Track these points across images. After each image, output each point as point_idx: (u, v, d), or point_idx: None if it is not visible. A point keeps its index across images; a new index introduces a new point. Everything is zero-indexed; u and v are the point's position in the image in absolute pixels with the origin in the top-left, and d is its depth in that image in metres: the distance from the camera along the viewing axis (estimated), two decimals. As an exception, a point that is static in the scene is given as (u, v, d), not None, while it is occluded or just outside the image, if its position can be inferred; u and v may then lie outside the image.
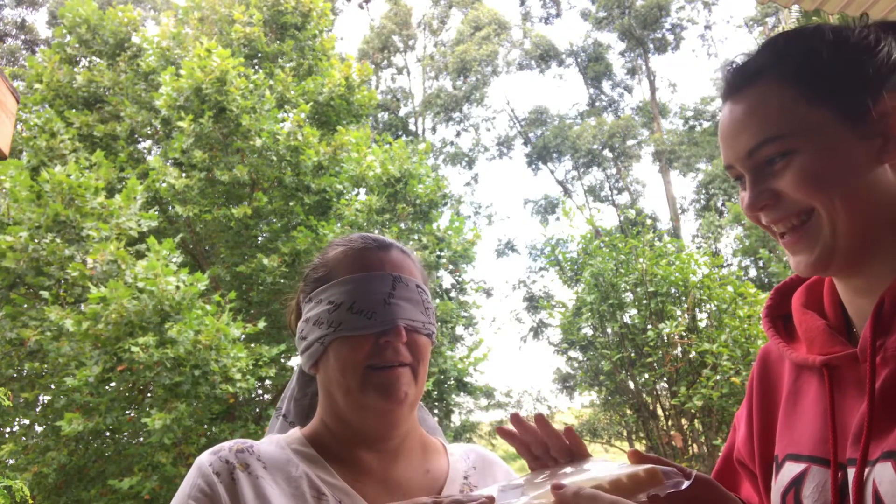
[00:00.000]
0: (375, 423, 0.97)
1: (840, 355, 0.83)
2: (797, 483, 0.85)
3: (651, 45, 25.09)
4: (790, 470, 0.87)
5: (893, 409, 0.75)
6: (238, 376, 6.80)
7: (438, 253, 9.53)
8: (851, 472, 0.77)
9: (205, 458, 0.93)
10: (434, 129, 26.08)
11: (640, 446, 7.99)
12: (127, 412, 7.09)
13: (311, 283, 1.04)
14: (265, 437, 1.08)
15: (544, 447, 0.91)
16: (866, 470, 0.75)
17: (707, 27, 26.53)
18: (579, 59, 26.23)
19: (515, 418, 0.94)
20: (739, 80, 0.86)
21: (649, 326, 7.22)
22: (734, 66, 0.89)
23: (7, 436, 7.73)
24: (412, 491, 0.97)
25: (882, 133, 0.79)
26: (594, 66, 25.82)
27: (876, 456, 0.74)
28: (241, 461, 0.93)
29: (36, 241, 6.67)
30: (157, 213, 8.33)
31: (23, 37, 22.77)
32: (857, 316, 0.88)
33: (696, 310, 7.11)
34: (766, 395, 0.99)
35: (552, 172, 25.71)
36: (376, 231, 9.00)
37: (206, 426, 7.37)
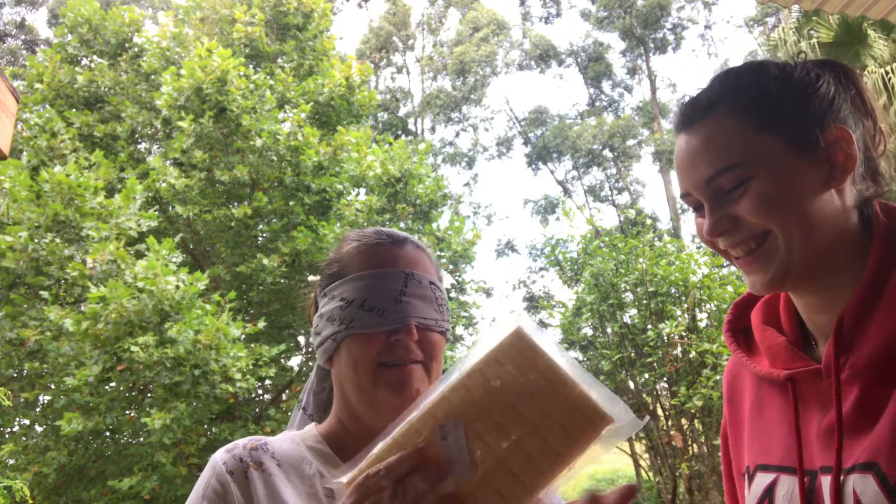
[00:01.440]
0: (388, 420, 0.96)
1: (804, 371, 0.87)
2: (769, 493, 0.89)
3: (651, 45, 25.07)
4: (762, 480, 0.91)
5: (861, 422, 0.79)
6: (238, 376, 6.79)
7: (438, 253, 9.53)
8: (826, 479, 0.81)
9: (219, 457, 0.93)
10: (433, 129, 26.08)
11: (640, 446, 7.99)
12: (127, 412, 7.08)
13: (325, 279, 1.03)
14: (286, 429, 1.08)
15: None
16: (841, 477, 0.78)
17: (707, 27, 26.55)
18: (579, 59, 26.22)
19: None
20: (693, 113, 0.90)
21: (649, 326, 7.22)
22: (688, 99, 0.93)
23: (7, 436, 7.73)
24: None
25: (828, 160, 0.85)
26: (594, 66, 25.81)
27: (849, 465, 0.78)
28: (254, 459, 0.93)
29: (36, 241, 6.67)
30: (157, 213, 8.31)
31: (23, 36, 22.76)
32: (817, 331, 0.92)
33: (696, 310, 7.11)
34: (735, 407, 1.03)
35: (552, 172, 25.71)
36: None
37: (206, 426, 7.37)
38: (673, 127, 0.95)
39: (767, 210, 0.83)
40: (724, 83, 0.90)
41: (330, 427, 1.01)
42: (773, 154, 0.84)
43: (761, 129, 0.85)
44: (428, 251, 1.07)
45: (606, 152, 24.52)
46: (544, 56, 26.01)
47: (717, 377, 6.29)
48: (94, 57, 10.11)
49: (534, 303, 22.34)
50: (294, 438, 1.00)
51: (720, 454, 1.11)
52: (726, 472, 1.08)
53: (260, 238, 9.36)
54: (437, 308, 0.99)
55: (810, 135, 0.85)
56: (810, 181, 0.84)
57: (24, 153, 8.36)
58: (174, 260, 7.17)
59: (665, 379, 7.12)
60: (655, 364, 7.04)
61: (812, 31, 8.40)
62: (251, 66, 10.02)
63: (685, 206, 24.14)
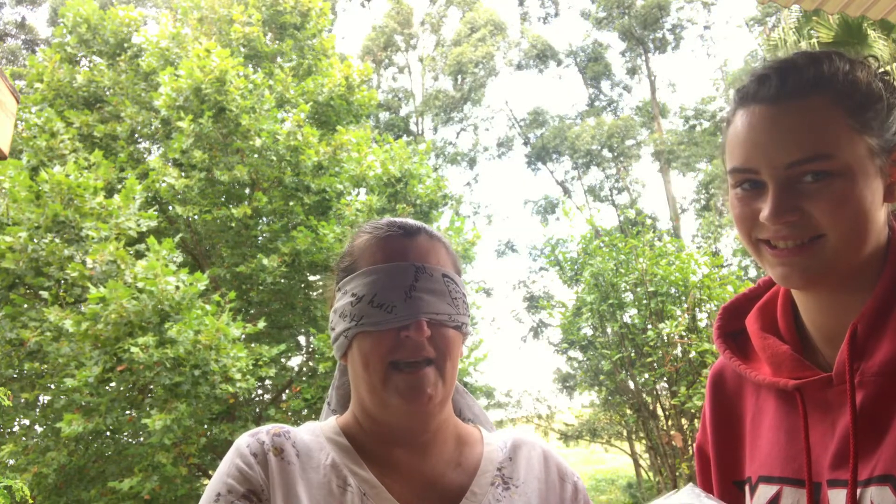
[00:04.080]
0: (400, 423, 0.96)
1: (813, 380, 0.86)
2: None
3: (651, 45, 25.08)
4: (765, 493, 0.89)
5: (872, 431, 0.79)
6: (238, 376, 6.79)
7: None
8: (833, 492, 0.81)
9: (243, 440, 0.94)
10: (435, 129, 26.08)
11: (640, 446, 7.99)
12: (127, 412, 7.08)
13: (339, 273, 1.03)
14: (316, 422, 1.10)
15: None
16: (858, 490, 0.78)
17: (707, 27, 26.54)
18: (578, 59, 26.21)
19: None
20: (789, 89, 0.84)
21: (649, 326, 7.22)
22: (783, 70, 0.86)
23: (7, 436, 7.73)
24: (441, 485, 0.95)
25: (890, 175, 0.84)
26: (593, 66, 25.81)
27: (864, 477, 0.78)
28: (275, 445, 0.94)
29: (35, 241, 6.66)
30: (156, 213, 8.30)
31: (23, 36, 22.76)
32: (820, 334, 0.91)
33: (696, 310, 7.11)
34: (726, 413, 1.01)
35: (552, 173, 25.71)
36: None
37: (206, 426, 7.37)
38: (746, 91, 0.88)
39: (840, 213, 0.81)
40: (830, 65, 0.85)
41: (347, 420, 1.02)
42: (861, 155, 0.81)
43: (860, 127, 0.82)
44: (444, 241, 1.04)
45: (606, 152, 24.50)
46: (542, 56, 26.00)
47: (718, 377, 6.30)
48: (94, 57, 10.11)
49: (534, 303, 22.35)
50: (315, 430, 1.01)
51: (694, 462, 1.08)
52: (702, 481, 1.04)
53: (260, 238, 9.35)
54: (450, 301, 0.97)
55: (891, 145, 0.83)
56: (878, 192, 0.83)
57: (24, 153, 8.36)
58: (174, 260, 7.16)
59: (665, 379, 7.13)
60: (655, 364, 7.05)
61: (812, 31, 8.40)
62: (250, 66, 10.02)
63: (685, 207, 24.18)
